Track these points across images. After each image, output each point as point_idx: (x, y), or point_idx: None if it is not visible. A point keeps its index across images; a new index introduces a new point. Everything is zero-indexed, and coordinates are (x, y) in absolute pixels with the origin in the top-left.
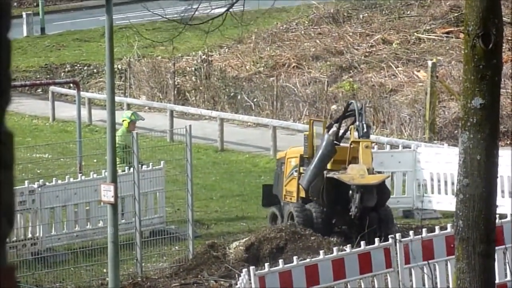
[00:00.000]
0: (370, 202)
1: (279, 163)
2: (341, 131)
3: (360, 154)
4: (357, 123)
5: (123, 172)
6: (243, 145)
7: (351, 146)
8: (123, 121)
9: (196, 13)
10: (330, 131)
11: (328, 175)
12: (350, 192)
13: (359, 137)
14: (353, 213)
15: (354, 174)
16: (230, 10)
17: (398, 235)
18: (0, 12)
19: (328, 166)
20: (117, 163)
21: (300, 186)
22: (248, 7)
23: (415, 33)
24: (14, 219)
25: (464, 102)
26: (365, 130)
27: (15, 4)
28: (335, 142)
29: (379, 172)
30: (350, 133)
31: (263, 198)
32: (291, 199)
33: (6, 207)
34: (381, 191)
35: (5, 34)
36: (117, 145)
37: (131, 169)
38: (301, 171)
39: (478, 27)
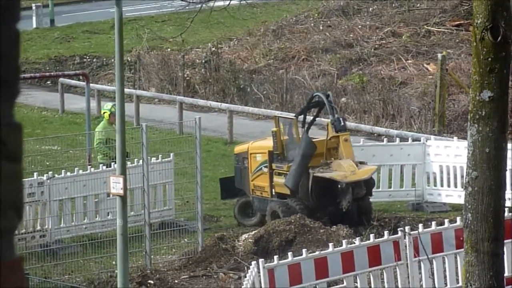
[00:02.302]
0: (360, 194)
1: (240, 157)
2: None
3: (342, 148)
4: (330, 117)
5: (109, 168)
6: (253, 138)
7: (330, 140)
8: (103, 113)
9: (203, 6)
10: (305, 129)
11: (316, 174)
12: (340, 187)
13: (336, 132)
14: (345, 207)
15: (346, 172)
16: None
17: (407, 228)
18: (9, 3)
19: None
20: (99, 158)
21: (286, 185)
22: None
23: (425, 26)
24: (22, 212)
25: (472, 95)
26: (342, 124)
27: None
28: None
29: (361, 163)
30: (327, 129)
31: (222, 191)
32: (262, 193)
33: (15, 200)
34: (368, 181)
35: (14, 25)
36: (98, 141)
37: (113, 164)
38: (274, 167)
39: (487, 20)
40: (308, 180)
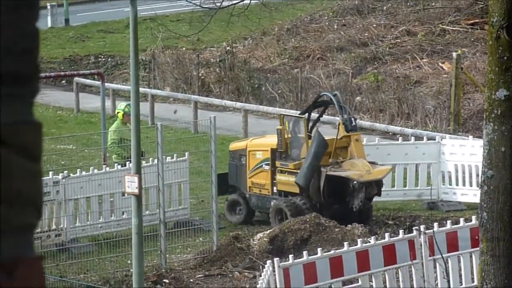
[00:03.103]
0: (372, 194)
1: (237, 154)
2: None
3: (353, 148)
4: (339, 117)
5: (124, 167)
6: None
7: (341, 140)
8: (117, 113)
9: (219, 4)
10: (316, 128)
11: (329, 173)
12: (352, 186)
13: (347, 131)
14: (356, 206)
15: (361, 171)
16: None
17: (422, 227)
18: (29, 1)
19: None
20: (114, 158)
21: (297, 183)
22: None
23: (439, 25)
24: (42, 210)
25: (488, 93)
26: (353, 123)
27: None
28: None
29: (372, 163)
30: (338, 129)
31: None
32: (260, 191)
33: (35, 198)
34: (378, 181)
35: (33, 23)
36: (111, 141)
37: (128, 163)
38: (278, 165)
39: (502, 18)
40: (319, 178)
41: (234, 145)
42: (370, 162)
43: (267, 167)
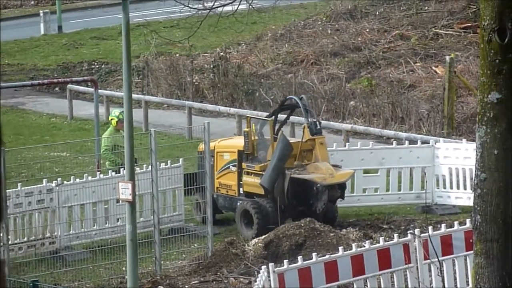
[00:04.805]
0: (335, 197)
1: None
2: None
3: (317, 151)
4: (305, 120)
5: (118, 174)
6: None
7: (306, 143)
8: (111, 119)
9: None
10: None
11: (294, 175)
12: (315, 189)
13: (312, 135)
14: (319, 209)
15: (325, 175)
16: (249, 5)
17: (417, 231)
18: None
19: None
20: (107, 165)
21: (262, 185)
22: (266, 3)
23: (433, 29)
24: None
25: (480, 96)
26: (318, 127)
27: (33, 2)
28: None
29: (336, 166)
30: (303, 132)
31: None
32: (227, 192)
33: None
34: (341, 184)
35: None
36: (104, 148)
37: (122, 170)
38: (244, 166)
39: (494, 22)
40: (283, 180)
41: (203, 146)
42: (333, 166)
43: (234, 169)
